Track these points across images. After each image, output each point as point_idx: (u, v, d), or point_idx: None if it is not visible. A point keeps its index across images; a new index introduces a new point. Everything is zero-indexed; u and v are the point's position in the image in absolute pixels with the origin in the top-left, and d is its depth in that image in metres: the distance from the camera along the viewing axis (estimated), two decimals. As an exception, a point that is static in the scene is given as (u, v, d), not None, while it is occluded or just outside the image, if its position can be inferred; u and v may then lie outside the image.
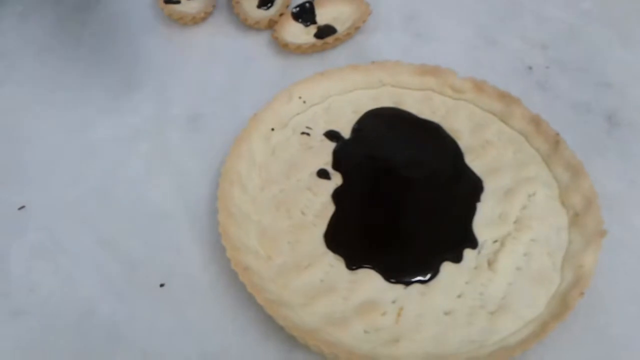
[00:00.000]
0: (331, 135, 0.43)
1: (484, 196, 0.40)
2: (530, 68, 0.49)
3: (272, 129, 0.43)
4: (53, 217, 0.41)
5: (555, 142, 0.41)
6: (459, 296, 0.35)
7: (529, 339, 0.33)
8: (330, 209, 0.39)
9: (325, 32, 0.50)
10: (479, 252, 0.37)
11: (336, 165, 0.41)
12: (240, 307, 0.36)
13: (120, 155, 0.44)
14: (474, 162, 0.41)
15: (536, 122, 0.42)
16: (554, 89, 0.48)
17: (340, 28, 0.51)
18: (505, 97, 0.43)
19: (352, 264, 0.37)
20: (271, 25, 0.51)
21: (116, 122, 0.46)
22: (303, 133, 0.43)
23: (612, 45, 0.51)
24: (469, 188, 0.40)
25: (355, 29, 0.50)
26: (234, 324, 0.36)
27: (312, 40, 0.50)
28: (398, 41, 0.51)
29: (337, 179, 0.41)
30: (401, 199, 0.39)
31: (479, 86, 0.44)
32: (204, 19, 0.51)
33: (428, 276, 0.36)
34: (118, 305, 0.37)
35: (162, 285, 0.38)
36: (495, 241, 0.37)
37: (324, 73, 0.45)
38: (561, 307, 0.34)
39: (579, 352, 0.35)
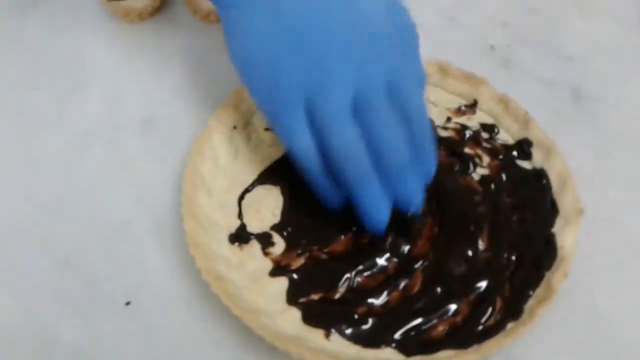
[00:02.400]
0: None
1: None
2: (492, 47, 0.48)
3: (234, 127, 0.40)
4: (2, 238, 0.38)
5: (525, 121, 0.40)
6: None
7: (517, 327, 0.32)
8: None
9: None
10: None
11: None
12: (215, 319, 0.34)
13: (72, 164, 0.41)
14: None
15: (505, 101, 0.41)
16: (518, 66, 0.47)
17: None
18: (471, 78, 0.42)
19: None
20: (223, 16, 0.48)
21: (64, 129, 0.43)
22: (267, 129, 0.41)
23: (571, 18, 0.50)
24: None
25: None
26: (210, 338, 0.34)
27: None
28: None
29: None
30: None
31: (444, 69, 0.43)
32: (151, 14, 0.48)
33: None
34: (81, 329, 0.34)
35: (127, 303, 0.35)
36: None
37: None
38: (546, 291, 0.33)
39: (568, 333, 0.34)
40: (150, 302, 0.35)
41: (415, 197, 0.33)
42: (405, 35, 0.35)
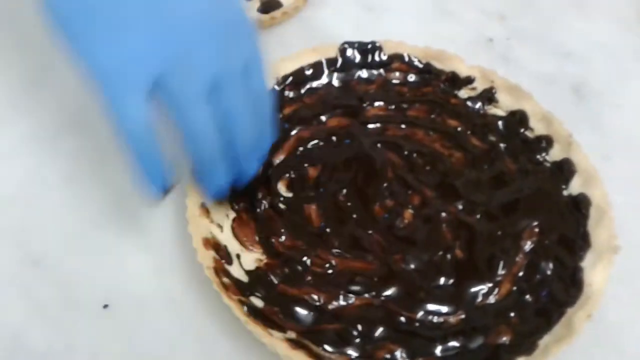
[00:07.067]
0: None
1: None
2: (491, 40, 0.47)
3: None
4: (-37, 234, 0.34)
5: (568, 144, 0.37)
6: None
7: None
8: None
9: (270, 6, 0.45)
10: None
11: None
12: (204, 320, 0.31)
13: (41, 155, 0.38)
14: None
15: (548, 120, 0.38)
16: (517, 60, 0.45)
17: (286, 1, 0.46)
18: (515, 90, 0.40)
19: None
20: None
21: (33, 117, 0.39)
22: None
23: (568, 15, 0.49)
24: None
25: (303, 2, 0.46)
26: (198, 343, 0.31)
27: (256, 15, 0.45)
28: (349, 15, 0.48)
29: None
30: None
31: (487, 76, 0.41)
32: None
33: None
34: (53, 335, 0.31)
35: (105, 306, 0.32)
36: None
37: (316, 49, 0.41)
38: (566, 329, 0.31)
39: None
40: (131, 304, 0.32)
41: (252, 174, 0.34)
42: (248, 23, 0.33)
